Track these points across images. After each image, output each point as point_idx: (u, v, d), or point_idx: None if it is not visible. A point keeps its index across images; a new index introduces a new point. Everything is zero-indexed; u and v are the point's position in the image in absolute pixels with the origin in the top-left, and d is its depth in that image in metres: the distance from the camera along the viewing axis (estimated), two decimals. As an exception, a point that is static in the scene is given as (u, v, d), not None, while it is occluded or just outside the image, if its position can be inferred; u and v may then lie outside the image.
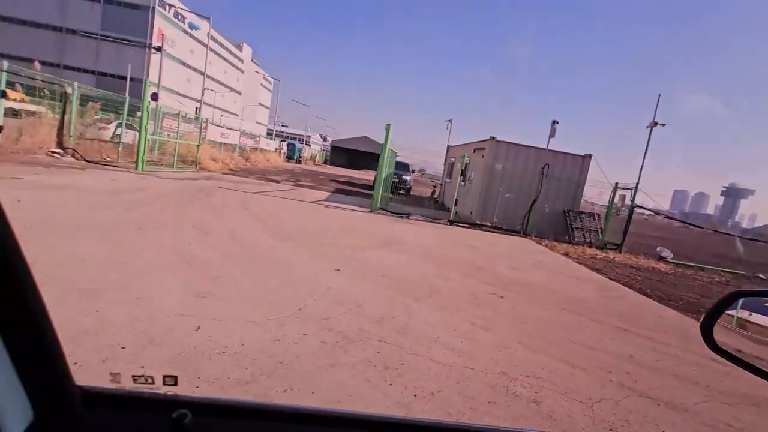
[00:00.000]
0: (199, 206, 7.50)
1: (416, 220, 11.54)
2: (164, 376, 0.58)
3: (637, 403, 2.81)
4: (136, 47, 41.81)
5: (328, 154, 47.40)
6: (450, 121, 24.30)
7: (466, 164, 13.40)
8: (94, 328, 2.52)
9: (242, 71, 67.87)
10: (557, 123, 16.27)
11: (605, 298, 6.13)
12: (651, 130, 13.66)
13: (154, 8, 43.66)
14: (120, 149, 12.16)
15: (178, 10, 47.06)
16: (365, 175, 31.36)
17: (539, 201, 12.61)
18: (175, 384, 0.58)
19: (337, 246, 6.22)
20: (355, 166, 43.70)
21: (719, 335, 1.10)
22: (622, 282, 7.57)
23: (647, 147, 13.66)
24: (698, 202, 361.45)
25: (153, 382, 0.57)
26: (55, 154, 10.43)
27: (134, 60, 38.58)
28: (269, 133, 48.71)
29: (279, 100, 58.92)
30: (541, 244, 10.98)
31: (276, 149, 31.82)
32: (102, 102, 12.66)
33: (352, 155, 44.30)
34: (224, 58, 60.97)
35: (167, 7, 45.64)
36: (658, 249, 12.64)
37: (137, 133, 11.56)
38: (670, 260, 11.84)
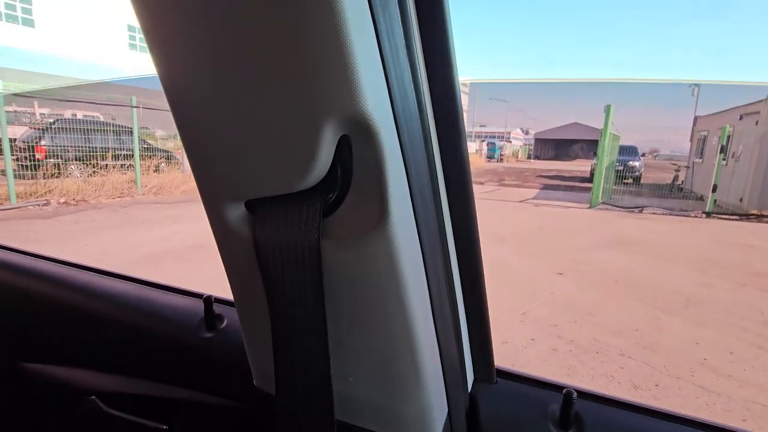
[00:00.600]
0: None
1: (653, 213, 9.55)
2: None
3: None
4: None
5: (531, 148, 44.72)
6: (697, 86, 19.08)
7: (728, 137, 10.23)
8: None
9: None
10: None
11: None
12: None
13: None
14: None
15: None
16: (576, 166, 28.12)
17: None
18: None
19: (554, 247, 5.85)
20: (562, 158, 39.81)
21: None
22: None
23: None
24: None
25: None
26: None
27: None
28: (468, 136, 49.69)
29: (476, 101, 59.54)
30: None
31: (477, 151, 32.07)
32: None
33: (559, 146, 40.54)
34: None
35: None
36: None
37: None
38: None
